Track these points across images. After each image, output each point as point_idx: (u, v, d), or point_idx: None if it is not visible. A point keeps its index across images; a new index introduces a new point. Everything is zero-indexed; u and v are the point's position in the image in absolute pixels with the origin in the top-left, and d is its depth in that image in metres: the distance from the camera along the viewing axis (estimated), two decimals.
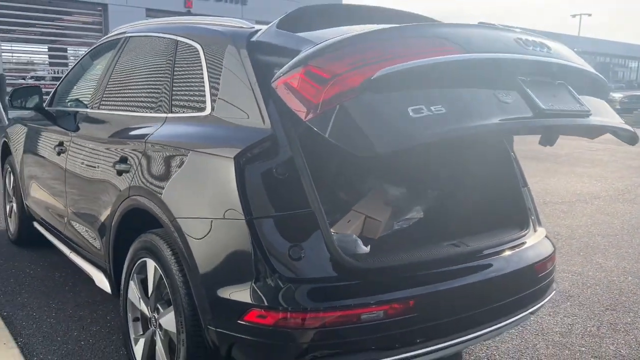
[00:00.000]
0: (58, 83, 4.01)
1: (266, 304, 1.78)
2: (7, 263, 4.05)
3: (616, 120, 2.18)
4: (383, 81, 1.68)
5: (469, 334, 2.06)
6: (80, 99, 3.49)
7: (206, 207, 1.98)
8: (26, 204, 4.05)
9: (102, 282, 2.79)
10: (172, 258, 2.09)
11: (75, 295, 3.51)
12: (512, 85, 1.90)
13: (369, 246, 2.15)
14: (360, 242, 2.14)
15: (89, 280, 3.70)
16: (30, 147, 3.86)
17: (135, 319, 2.49)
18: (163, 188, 2.16)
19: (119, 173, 2.50)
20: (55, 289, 3.59)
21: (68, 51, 17.95)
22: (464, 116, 1.75)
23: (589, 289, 3.94)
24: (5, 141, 4.47)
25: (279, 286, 1.78)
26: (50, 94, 3.94)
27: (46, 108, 3.73)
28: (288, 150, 1.87)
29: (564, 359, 2.90)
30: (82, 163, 2.97)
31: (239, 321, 1.82)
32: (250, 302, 1.80)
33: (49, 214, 3.56)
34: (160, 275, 2.20)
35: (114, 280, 2.65)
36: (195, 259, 1.95)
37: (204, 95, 2.24)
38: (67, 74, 3.94)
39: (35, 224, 3.98)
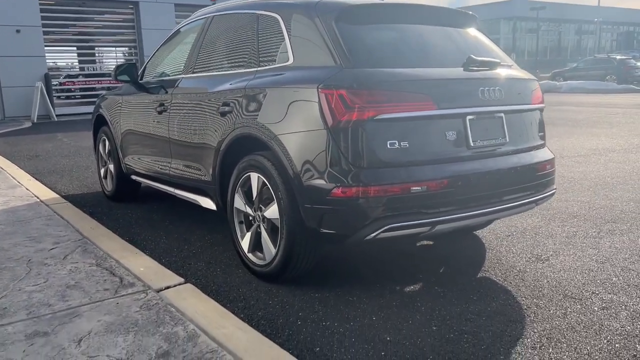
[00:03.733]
0: (145, 62, 4.93)
1: (346, 183, 2.62)
2: (111, 211, 5.00)
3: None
4: (380, 120, 2.65)
5: (489, 208, 2.88)
6: (171, 70, 4.40)
7: (297, 124, 2.83)
8: (124, 164, 4.99)
9: (208, 203, 3.69)
10: (273, 167, 2.96)
11: (175, 227, 4.43)
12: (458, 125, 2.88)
13: None
14: None
15: (182, 217, 4.66)
16: (128, 113, 4.79)
17: (240, 222, 3.37)
18: (264, 117, 3.03)
19: (223, 114, 3.38)
20: (157, 224, 4.52)
21: (95, 49, 18.94)
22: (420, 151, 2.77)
23: (594, 211, 4.70)
24: (99, 114, 5.41)
25: (353, 171, 2.63)
26: (140, 71, 4.85)
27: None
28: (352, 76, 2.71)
29: (570, 251, 3.69)
30: (185, 115, 3.86)
31: (327, 197, 2.68)
32: (336, 183, 2.65)
33: (151, 165, 4.47)
34: (263, 181, 3.07)
35: (219, 199, 3.53)
36: (294, 160, 2.81)
37: (287, 51, 3.10)
38: (152, 55, 4.85)
39: (134, 177, 4.92)
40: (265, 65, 3.27)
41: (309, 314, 2.76)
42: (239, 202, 3.33)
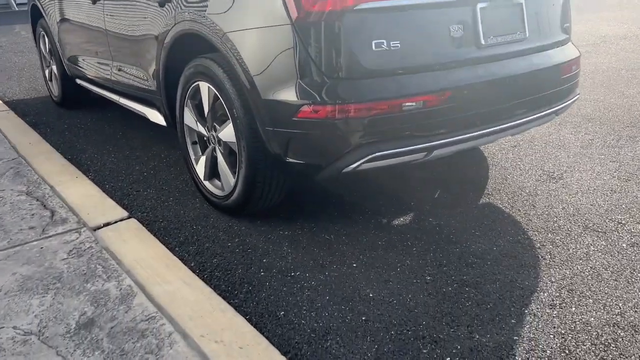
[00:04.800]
0: None
1: (318, 99, 1.98)
2: (59, 121, 4.33)
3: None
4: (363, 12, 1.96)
5: (501, 125, 2.28)
6: None
7: (253, 18, 2.13)
8: (65, 64, 4.23)
9: (156, 117, 3.04)
10: (224, 75, 2.29)
11: (129, 141, 3.80)
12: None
13: None
14: None
15: (139, 128, 4.02)
16: (62, 4, 3.95)
17: (194, 143, 2.76)
18: (209, 7, 2.30)
19: (162, 4, 2.63)
20: (108, 138, 3.89)
21: None
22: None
23: (610, 112, 4.10)
24: (34, 4, 4.54)
25: (328, 84, 1.98)
26: None
27: None
28: None
29: (587, 166, 3.14)
30: (121, 6, 3.08)
31: (294, 118, 2.05)
32: (303, 100, 2.01)
33: (92, 67, 3.75)
34: (215, 94, 2.41)
35: (168, 113, 2.89)
36: (249, 68, 2.14)
37: None
38: None
39: (78, 81, 4.19)
40: None
41: (276, 261, 2.25)
42: (189, 119, 2.69)
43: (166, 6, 2.60)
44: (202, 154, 2.69)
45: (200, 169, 2.71)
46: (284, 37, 2.03)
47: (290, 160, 2.16)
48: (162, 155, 3.49)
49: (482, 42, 2.21)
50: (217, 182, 2.64)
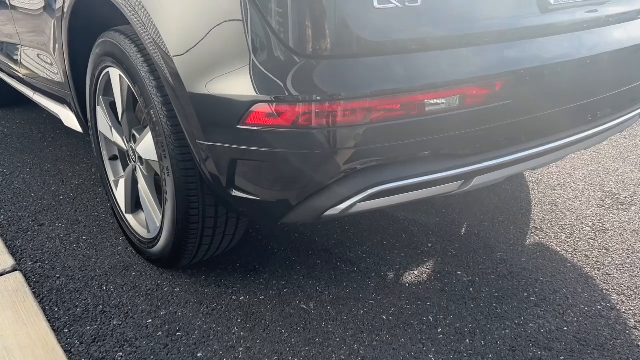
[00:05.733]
0: None
1: (282, 93, 1.14)
2: None
3: None
4: None
5: (575, 134, 1.44)
6: None
7: None
8: None
9: (70, 120, 2.18)
10: (139, 56, 1.44)
11: (55, 150, 2.94)
12: None
13: None
14: None
15: (74, 133, 3.15)
16: None
17: (113, 158, 1.91)
18: None
19: None
20: (32, 145, 3.02)
21: None
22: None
23: None
24: None
25: (298, 66, 1.13)
26: None
27: None
28: None
29: None
30: None
31: (240, 126, 1.20)
32: (256, 94, 1.16)
33: (4, 54, 2.88)
34: (128, 86, 1.56)
35: (80, 113, 2.03)
36: (167, 44, 1.28)
37: None
38: None
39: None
40: None
41: (221, 355, 1.41)
42: (103, 123, 1.84)
43: None
44: (124, 173, 1.84)
45: (119, 194, 1.86)
46: None
47: (237, 194, 1.31)
48: (92, 171, 2.63)
49: (551, 0, 1.36)
50: (143, 216, 1.79)
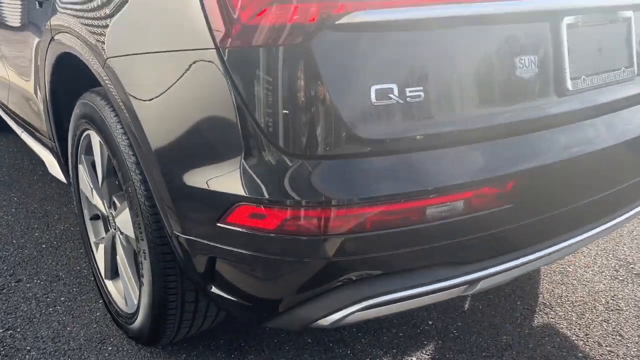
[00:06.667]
0: None
1: (265, 195, 1.02)
2: None
3: None
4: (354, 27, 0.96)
5: (591, 229, 1.31)
6: None
7: (150, 33, 1.16)
8: None
9: (55, 167, 2.07)
10: (118, 126, 1.32)
11: (45, 186, 2.83)
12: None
13: None
14: None
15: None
16: None
17: (94, 217, 1.79)
18: (86, 12, 1.33)
19: (40, 4, 1.66)
20: (21, 179, 2.92)
21: None
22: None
23: None
24: None
25: (285, 166, 1.01)
26: None
27: None
28: None
29: None
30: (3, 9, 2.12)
31: (219, 224, 1.08)
32: (238, 192, 1.04)
33: None
34: (108, 155, 1.45)
35: (64, 163, 1.92)
36: (143, 124, 1.17)
37: None
38: None
39: None
40: None
41: None
42: (84, 183, 1.73)
43: (44, 4, 1.63)
44: (104, 237, 1.72)
45: (99, 258, 1.74)
46: (200, 74, 1.06)
47: (217, 292, 1.19)
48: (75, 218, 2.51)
49: (569, 86, 1.24)
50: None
